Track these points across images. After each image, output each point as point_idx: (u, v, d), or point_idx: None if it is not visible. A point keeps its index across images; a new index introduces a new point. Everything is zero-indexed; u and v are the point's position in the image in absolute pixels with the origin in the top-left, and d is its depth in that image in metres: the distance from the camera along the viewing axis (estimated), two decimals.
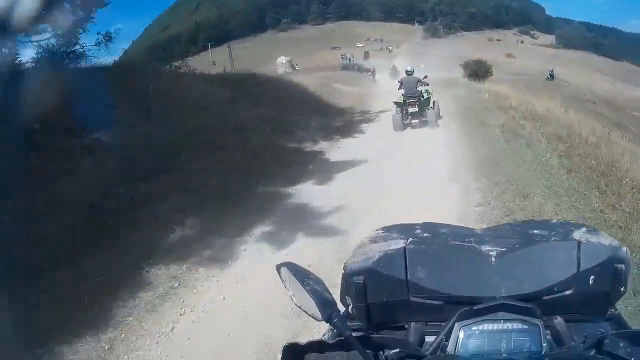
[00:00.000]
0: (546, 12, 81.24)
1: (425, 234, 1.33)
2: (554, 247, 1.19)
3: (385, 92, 19.10)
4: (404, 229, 1.37)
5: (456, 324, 1.04)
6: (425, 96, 12.41)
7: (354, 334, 1.01)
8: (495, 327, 1.03)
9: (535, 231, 1.28)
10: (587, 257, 1.14)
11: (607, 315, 1.25)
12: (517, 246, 1.20)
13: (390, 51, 55.62)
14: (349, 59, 43.28)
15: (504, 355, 1.01)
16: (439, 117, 12.60)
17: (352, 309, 1.26)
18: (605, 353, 0.96)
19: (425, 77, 12.89)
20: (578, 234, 1.21)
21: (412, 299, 1.19)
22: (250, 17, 71.84)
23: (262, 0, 73.16)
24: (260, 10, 72.72)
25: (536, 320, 1.02)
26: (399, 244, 1.25)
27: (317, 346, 1.05)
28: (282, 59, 37.32)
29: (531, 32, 75.86)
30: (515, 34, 74.84)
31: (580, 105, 25.78)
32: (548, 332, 1.09)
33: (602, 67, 59.27)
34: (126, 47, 56.30)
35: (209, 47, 54.18)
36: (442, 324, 1.12)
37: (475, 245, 1.22)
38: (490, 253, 1.18)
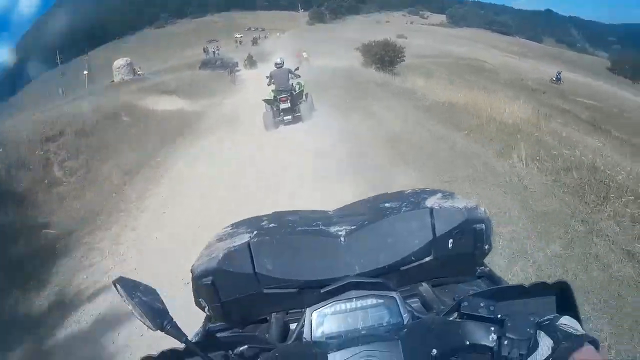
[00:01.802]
0: None
1: (271, 225, 1.26)
2: (405, 217, 1.13)
3: (243, 113, 12.00)
4: (251, 223, 1.29)
5: (307, 310, 1.01)
6: (298, 89, 10.93)
7: (219, 335, 1.07)
8: (348, 306, 1.00)
9: (387, 204, 1.20)
10: (442, 222, 1.10)
11: (478, 273, 1.21)
12: (366, 222, 1.15)
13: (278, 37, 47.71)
14: (214, 52, 34.35)
15: (362, 332, 0.97)
16: (313, 109, 11.05)
17: (208, 311, 1.19)
18: (464, 316, 0.92)
19: (297, 68, 11.43)
20: (431, 201, 1.16)
21: (265, 291, 1.13)
22: (128, 15, 62.54)
23: None
24: (139, 6, 63.49)
25: (391, 293, 1.00)
26: (244, 238, 1.17)
27: (170, 356, 0.96)
28: (120, 62, 25.78)
29: (420, 12, 72.45)
30: (404, 15, 71.23)
31: (540, 102, 17.89)
32: (416, 300, 1.12)
33: (499, 44, 56.64)
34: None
35: (58, 58, 45.19)
36: (302, 310, 1.07)
37: (323, 227, 1.18)
38: (339, 233, 1.14)
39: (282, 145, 8.46)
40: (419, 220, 1.10)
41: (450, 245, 1.09)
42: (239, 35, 48.31)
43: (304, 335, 0.98)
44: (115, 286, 0.97)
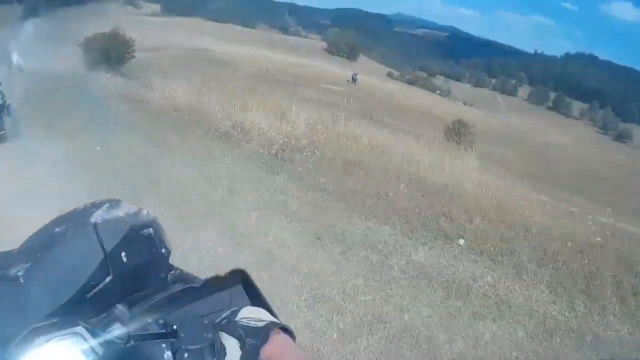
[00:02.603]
0: None
1: None
2: (71, 240, 0.97)
3: None
4: None
5: None
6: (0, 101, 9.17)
7: None
8: (41, 357, 0.82)
9: (57, 229, 1.01)
10: (108, 237, 0.96)
11: (170, 278, 1.08)
12: (39, 255, 0.97)
13: None
14: None
15: None
16: (18, 124, 9.11)
17: None
18: (135, 338, 0.83)
19: None
20: (95, 216, 1.00)
21: None
22: None
23: None
24: None
25: (75, 329, 0.84)
26: None
27: None
28: None
29: (135, 2, 71.66)
30: (117, 6, 67.88)
31: (288, 91, 18.72)
32: (118, 324, 0.92)
33: (214, 31, 58.45)
34: None
35: None
36: None
37: (4, 272, 0.96)
38: (19, 274, 0.95)
39: None
40: (86, 240, 0.96)
41: (125, 259, 0.97)
42: None
43: None
44: None
